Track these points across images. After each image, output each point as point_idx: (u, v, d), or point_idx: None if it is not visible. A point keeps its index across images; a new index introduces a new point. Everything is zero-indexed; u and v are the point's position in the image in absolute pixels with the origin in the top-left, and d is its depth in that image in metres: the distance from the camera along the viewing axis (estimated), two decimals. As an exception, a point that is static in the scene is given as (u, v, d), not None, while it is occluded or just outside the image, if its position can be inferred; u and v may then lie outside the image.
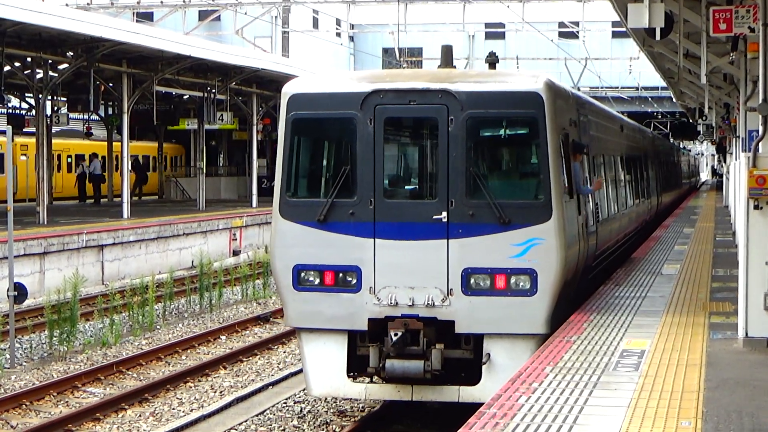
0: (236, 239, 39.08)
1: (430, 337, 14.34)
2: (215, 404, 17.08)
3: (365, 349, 14.62)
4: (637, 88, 68.68)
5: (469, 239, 14.47)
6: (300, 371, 19.34)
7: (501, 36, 75.62)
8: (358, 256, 14.60)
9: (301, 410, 16.59)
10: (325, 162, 15.90)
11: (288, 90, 15.17)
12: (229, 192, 57.86)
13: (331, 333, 14.83)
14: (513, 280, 14.46)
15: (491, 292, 14.46)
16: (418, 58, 75.31)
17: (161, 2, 65.24)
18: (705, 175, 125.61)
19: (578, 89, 63.86)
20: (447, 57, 16.41)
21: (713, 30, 16.88)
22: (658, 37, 19.84)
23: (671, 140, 74.96)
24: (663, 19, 17.28)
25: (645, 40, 27.96)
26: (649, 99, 68.71)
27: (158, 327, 24.78)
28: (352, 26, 78.32)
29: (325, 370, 14.85)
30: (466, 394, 14.53)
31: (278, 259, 15.04)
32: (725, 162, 57.08)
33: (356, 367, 14.86)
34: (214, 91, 43.80)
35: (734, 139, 33.50)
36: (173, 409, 17.13)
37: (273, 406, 16.85)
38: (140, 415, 16.75)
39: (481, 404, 10.68)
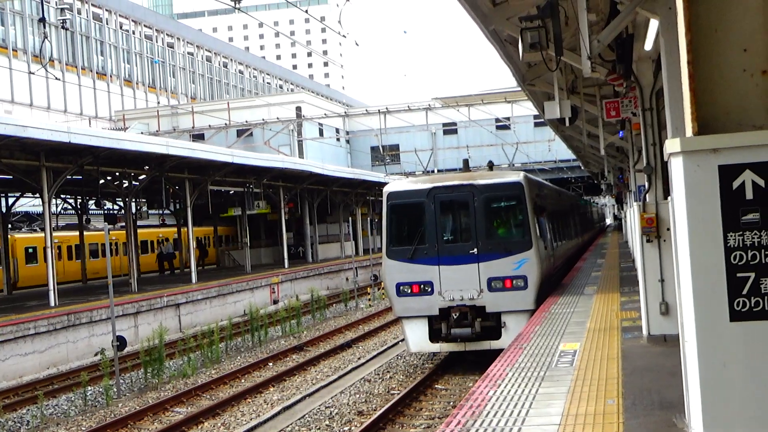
0: (275, 292, 38.94)
1: (473, 316, 18.70)
2: (268, 413, 16.92)
3: (438, 324, 18.98)
4: (555, 161, 68.90)
5: (490, 262, 18.83)
6: (329, 384, 19.34)
7: (454, 132, 75.82)
8: (431, 275, 18.98)
9: (330, 413, 16.43)
10: (408, 226, 19.63)
11: (387, 189, 19.81)
12: (267, 258, 57.67)
13: (419, 318, 19.14)
14: (514, 282, 18.80)
15: (504, 289, 18.79)
16: (396, 152, 75.49)
17: (209, 126, 65.63)
18: (609, 220, 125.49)
19: (512, 165, 64.40)
20: (466, 166, 21.43)
21: (606, 116, 17.00)
22: (567, 124, 19.97)
23: (585, 197, 75.13)
24: (570, 111, 17.38)
25: (558, 126, 28.13)
26: (565, 168, 68.87)
27: (223, 360, 24.62)
28: (348, 132, 78.68)
29: (417, 337, 19.26)
30: (494, 344, 18.66)
31: (388, 281, 19.38)
32: (623, 209, 57.06)
33: (433, 335, 19.12)
34: (251, 186, 43.86)
35: (628, 192, 33.56)
36: (238, 419, 16.97)
37: (310, 411, 16.69)
38: (214, 426, 16.59)
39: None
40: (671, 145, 4.43)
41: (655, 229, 12.61)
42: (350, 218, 57.63)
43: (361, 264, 48.98)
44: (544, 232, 20.87)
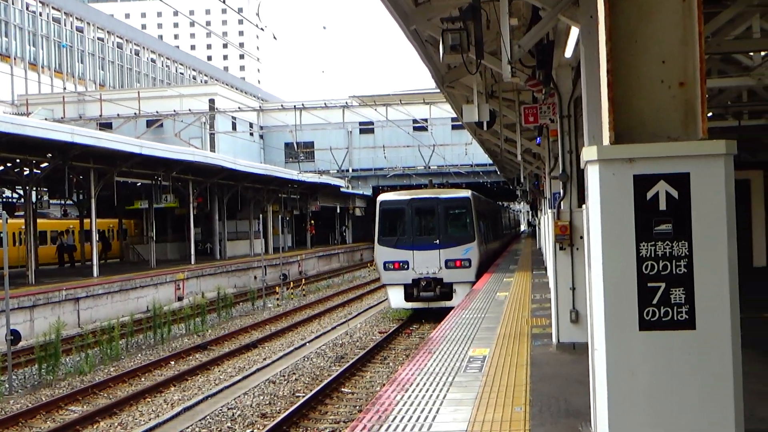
0: (180, 289, 38.46)
1: (434, 284, 27.90)
2: (168, 413, 16.70)
3: (411, 290, 28.07)
4: (472, 165, 69.60)
5: (447, 249, 28.14)
6: (232, 384, 19.20)
7: (371, 131, 76.06)
8: (408, 257, 28.16)
9: (233, 414, 16.29)
10: (393, 224, 28.74)
11: (380, 198, 29.24)
12: (173, 254, 56.93)
13: (398, 285, 28.17)
14: (463, 262, 28.08)
15: (455, 267, 28.04)
16: (311, 150, 75.33)
17: (118, 115, 64.58)
18: (523, 226, 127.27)
19: (428, 168, 64.89)
20: (431, 185, 32.97)
21: (525, 122, 17.20)
22: (485, 128, 20.13)
23: (500, 202, 76.18)
24: (488, 115, 17.57)
25: (476, 130, 28.42)
26: (481, 173, 69.59)
27: (123, 357, 24.21)
28: (262, 128, 78.21)
29: (396, 298, 28.40)
30: (447, 303, 27.27)
31: (378, 259, 28.70)
32: (537, 216, 57.92)
33: (408, 297, 28.15)
34: (159, 179, 43.28)
35: (543, 199, 34.08)
36: (136, 419, 16.70)
37: (212, 412, 16.52)
38: (111, 426, 16.30)
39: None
40: (588, 152, 4.51)
41: (569, 237, 12.82)
42: (261, 215, 57.26)
43: (271, 263, 48.74)
44: (482, 230, 30.73)
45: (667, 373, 4.35)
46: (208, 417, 16.18)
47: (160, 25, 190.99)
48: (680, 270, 4.37)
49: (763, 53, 16.27)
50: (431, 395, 10.17)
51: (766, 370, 10.64)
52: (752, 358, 9.92)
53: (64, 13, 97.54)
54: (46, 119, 59.49)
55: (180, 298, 37.88)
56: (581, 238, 12.61)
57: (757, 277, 20.23)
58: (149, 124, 66.85)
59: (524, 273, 29.94)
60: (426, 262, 27.97)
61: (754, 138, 24.58)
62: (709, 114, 21.30)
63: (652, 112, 4.61)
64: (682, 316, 4.36)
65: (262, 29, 34.72)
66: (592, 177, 4.49)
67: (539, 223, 47.12)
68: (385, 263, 28.38)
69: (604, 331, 4.37)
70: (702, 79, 4.59)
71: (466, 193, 29.40)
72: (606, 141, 4.54)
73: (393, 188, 73.93)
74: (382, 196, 29.39)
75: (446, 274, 27.94)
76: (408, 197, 28.80)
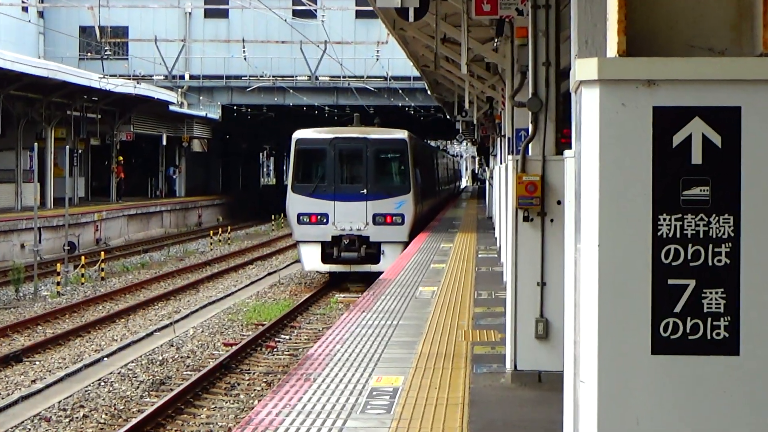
0: None
1: (359, 243, 35.95)
2: None
3: (330, 249, 36.13)
4: (387, 78, 69.68)
5: (376, 201, 36.49)
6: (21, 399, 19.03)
7: (224, 14, 75.55)
8: (327, 209, 36.26)
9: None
10: (312, 167, 37.65)
11: (296, 135, 37.84)
12: None
13: (314, 243, 36.32)
14: (394, 218, 36.47)
15: (385, 224, 36.37)
16: (123, 39, 74.52)
17: None
18: (466, 181, 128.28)
19: (317, 78, 65.26)
20: (359, 120, 40.93)
21: (476, 12, 17.32)
22: (411, 19, 20.17)
23: (436, 144, 76.90)
24: (418, -3, 17.60)
25: (396, 22, 28.42)
26: (400, 91, 69.73)
27: None
28: (42, 1, 77.06)
29: (311, 259, 36.67)
30: (373, 268, 35.33)
31: (290, 211, 37.33)
32: (488, 166, 58.43)
33: (325, 258, 36.37)
34: None
35: (499, 138, 34.38)
36: None
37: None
38: None
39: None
40: (584, 67, 4.52)
41: (539, 201, 12.93)
42: (36, 145, 56.53)
43: (50, 223, 48.23)
44: (418, 181, 39.47)
45: (694, 421, 4.43)
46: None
47: None
48: (719, 260, 4.42)
49: None
50: (309, 448, 10.23)
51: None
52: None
53: None
54: None
55: None
56: (559, 203, 12.73)
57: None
58: None
59: (464, 256, 30.19)
60: (349, 216, 36.48)
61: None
62: None
63: (687, 10, 4.66)
64: (719, 334, 4.40)
65: None
66: (588, 107, 4.51)
67: (491, 177, 47.59)
68: (299, 215, 36.93)
69: (597, 355, 4.41)
70: (767, -41, 4.64)
71: (402, 134, 39.11)
72: (612, 51, 4.56)
73: (257, 108, 73.82)
74: (299, 133, 38.33)
75: (374, 231, 36.51)
76: (330, 135, 38.21)
